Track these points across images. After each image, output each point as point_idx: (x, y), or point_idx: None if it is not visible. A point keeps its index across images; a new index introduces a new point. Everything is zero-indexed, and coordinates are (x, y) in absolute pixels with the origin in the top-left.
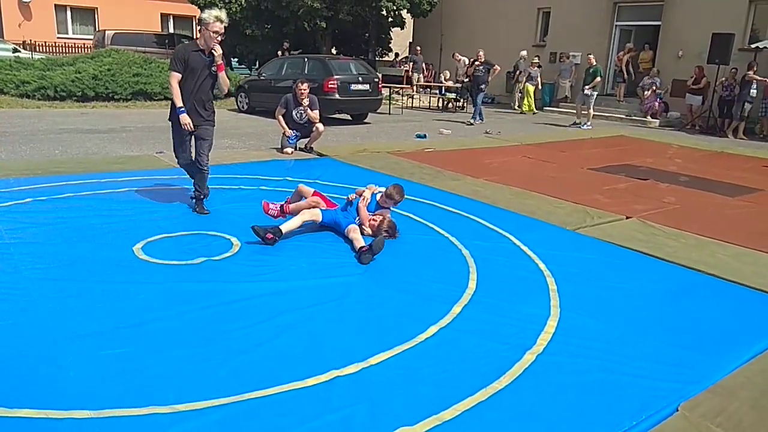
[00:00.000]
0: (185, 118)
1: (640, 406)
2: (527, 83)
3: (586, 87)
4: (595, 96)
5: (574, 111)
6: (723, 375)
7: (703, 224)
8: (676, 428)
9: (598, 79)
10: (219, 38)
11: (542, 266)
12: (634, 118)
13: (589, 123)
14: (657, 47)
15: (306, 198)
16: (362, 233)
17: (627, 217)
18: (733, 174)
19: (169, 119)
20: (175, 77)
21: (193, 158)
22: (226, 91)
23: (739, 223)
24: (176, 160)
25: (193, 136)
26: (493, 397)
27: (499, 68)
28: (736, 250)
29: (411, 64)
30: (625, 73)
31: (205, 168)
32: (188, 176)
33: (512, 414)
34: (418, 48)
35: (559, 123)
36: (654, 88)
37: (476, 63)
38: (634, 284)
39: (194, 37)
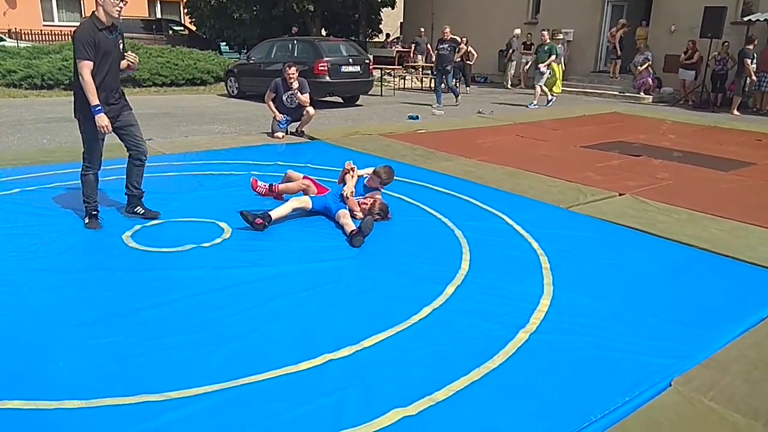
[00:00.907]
0: (103, 119)
1: (633, 382)
2: (553, 62)
3: (541, 65)
4: (547, 74)
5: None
6: (716, 349)
7: (696, 199)
8: (669, 403)
9: (553, 57)
10: (123, 5)
11: (535, 245)
12: (627, 94)
13: (536, 102)
14: (649, 22)
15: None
16: (354, 217)
17: (620, 194)
18: (726, 148)
19: (77, 116)
20: (88, 66)
21: (129, 153)
22: (136, 68)
23: (732, 197)
24: (93, 168)
25: (113, 131)
26: (487, 377)
27: (465, 48)
28: (729, 224)
29: (413, 45)
30: (618, 49)
31: (145, 158)
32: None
33: (506, 392)
34: (422, 29)
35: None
36: (647, 64)
37: (440, 40)
38: (627, 261)
39: (182, 22)
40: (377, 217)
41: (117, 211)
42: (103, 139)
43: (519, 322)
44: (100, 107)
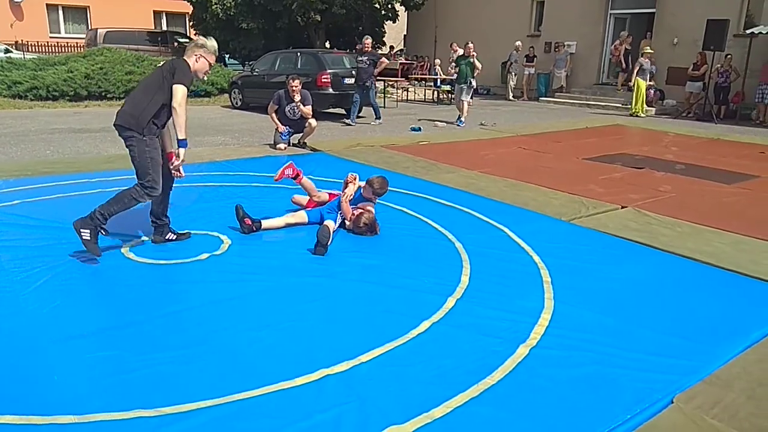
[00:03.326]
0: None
1: (635, 399)
2: (638, 78)
3: (471, 78)
4: (473, 88)
5: (564, 100)
6: (719, 365)
7: (700, 212)
8: (671, 421)
9: (478, 68)
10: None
11: (536, 258)
12: (630, 107)
13: (463, 118)
14: (652, 35)
15: (301, 206)
16: (345, 227)
17: (622, 207)
18: (730, 161)
19: (138, 135)
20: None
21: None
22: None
23: (736, 210)
24: (155, 191)
25: None
26: (485, 393)
27: (386, 62)
28: (732, 237)
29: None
30: (623, 63)
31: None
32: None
33: (505, 409)
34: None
35: (554, 111)
36: (650, 77)
37: (359, 52)
38: (629, 275)
39: (187, 34)
40: (363, 226)
41: (116, 223)
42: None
43: (519, 336)
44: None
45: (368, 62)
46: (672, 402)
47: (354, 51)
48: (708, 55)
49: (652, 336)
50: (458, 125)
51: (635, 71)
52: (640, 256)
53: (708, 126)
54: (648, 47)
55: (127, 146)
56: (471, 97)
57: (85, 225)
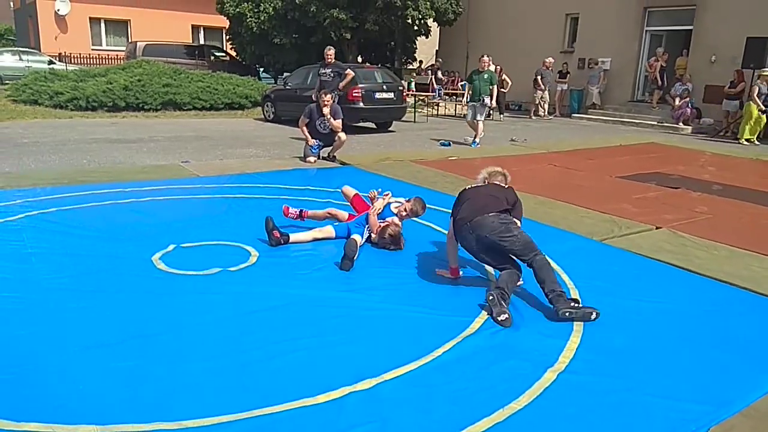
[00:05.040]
0: None
1: (668, 430)
2: (750, 102)
3: (485, 96)
4: (488, 106)
5: (598, 117)
6: (757, 397)
7: (737, 235)
8: None
9: (495, 86)
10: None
11: (566, 278)
12: (665, 125)
13: (478, 139)
14: (689, 52)
15: (348, 199)
16: (370, 240)
17: (657, 228)
18: None
19: None
20: None
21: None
22: None
23: None
24: None
25: None
26: (511, 418)
27: (352, 74)
28: None
29: (435, 73)
30: (659, 80)
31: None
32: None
33: None
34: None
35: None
36: (686, 94)
37: (322, 64)
38: (662, 298)
39: (223, 48)
40: (386, 239)
41: (148, 233)
42: None
43: (547, 360)
44: None
45: (332, 74)
46: None
47: (389, 66)
48: (746, 74)
49: (686, 363)
50: (472, 146)
51: (750, 95)
52: (674, 279)
53: (747, 146)
54: (766, 69)
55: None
56: (500, 114)
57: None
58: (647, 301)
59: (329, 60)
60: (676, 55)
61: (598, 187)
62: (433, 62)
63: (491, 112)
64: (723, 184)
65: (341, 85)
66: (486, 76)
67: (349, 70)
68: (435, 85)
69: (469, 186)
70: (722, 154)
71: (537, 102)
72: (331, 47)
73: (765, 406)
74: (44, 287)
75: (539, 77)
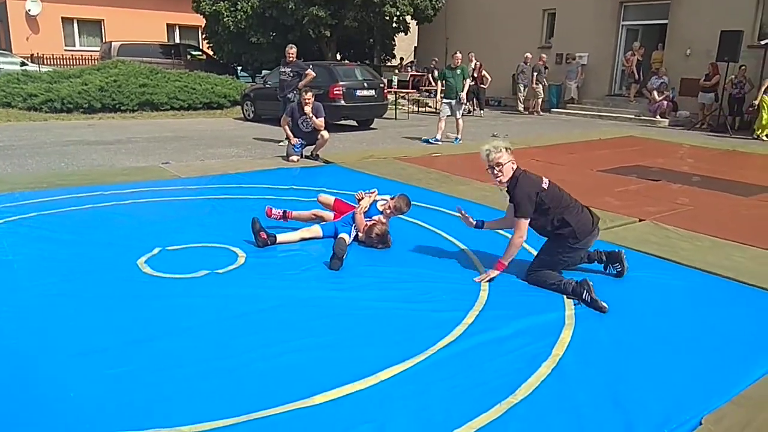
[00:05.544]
0: None
1: (662, 420)
2: (765, 95)
3: (460, 93)
4: (464, 103)
5: (576, 112)
6: (747, 384)
7: (718, 225)
8: None
9: (467, 80)
10: None
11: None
12: (642, 118)
13: (459, 135)
14: (665, 46)
15: (329, 206)
16: (357, 239)
17: (640, 220)
18: (746, 173)
19: None
20: None
21: None
22: None
23: (756, 223)
24: None
25: None
26: (508, 413)
27: (313, 74)
28: (753, 251)
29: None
30: (635, 73)
31: None
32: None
33: (528, 431)
34: (435, 59)
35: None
36: (664, 87)
37: (283, 63)
38: (649, 290)
39: (200, 47)
40: (373, 238)
41: (132, 236)
42: None
43: (540, 354)
44: None
45: (292, 74)
46: (701, 423)
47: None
48: (721, 66)
49: (677, 353)
50: (454, 143)
51: (762, 90)
52: (660, 270)
53: (722, 137)
54: None
55: None
56: (481, 110)
57: None
58: (634, 292)
59: (290, 59)
60: (651, 49)
61: (580, 181)
62: (412, 59)
63: (471, 109)
64: (702, 176)
65: (301, 84)
66: (459, 71)
67: (309, 70)
68: (432, 81)
69: (546, 181)
70: (700, 146)
71: (537, 97)
72: (293, 45)
73: (754, 393)
74: (28, 295)
75: (536, 73)
